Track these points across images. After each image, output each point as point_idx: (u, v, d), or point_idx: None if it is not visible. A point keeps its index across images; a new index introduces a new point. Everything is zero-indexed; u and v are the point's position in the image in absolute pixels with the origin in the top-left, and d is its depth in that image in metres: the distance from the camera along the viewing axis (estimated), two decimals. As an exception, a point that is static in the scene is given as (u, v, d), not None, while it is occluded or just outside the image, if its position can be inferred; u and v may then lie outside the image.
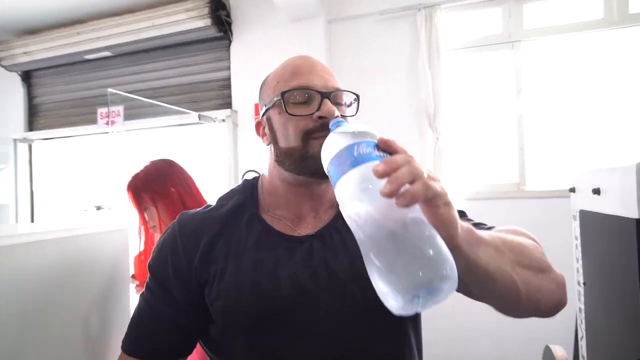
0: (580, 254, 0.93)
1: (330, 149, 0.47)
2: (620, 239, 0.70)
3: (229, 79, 2.79)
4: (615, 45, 2.27)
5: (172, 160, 1.34)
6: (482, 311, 2.31)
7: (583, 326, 0.94)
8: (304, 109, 0.63)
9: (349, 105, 0.68)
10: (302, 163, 0.64)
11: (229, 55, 2.80)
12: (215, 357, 0.70)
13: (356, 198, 0.41)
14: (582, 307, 0.94)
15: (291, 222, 0.69)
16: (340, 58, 2.68)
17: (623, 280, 0.72)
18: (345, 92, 0.67)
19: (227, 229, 0.68)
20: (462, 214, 0.73)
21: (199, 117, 2.55)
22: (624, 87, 2.25)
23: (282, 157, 0.66)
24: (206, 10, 2.59)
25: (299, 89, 0.64)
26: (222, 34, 2.75)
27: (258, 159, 2.70)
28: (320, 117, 0.62)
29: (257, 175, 0.79)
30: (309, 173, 0.65)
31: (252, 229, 0.67)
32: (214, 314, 0.65)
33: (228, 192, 0.76)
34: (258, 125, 0.72)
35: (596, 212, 0.81)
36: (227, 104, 2.78)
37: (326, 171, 0.48)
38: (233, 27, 2.80)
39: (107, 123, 2.82)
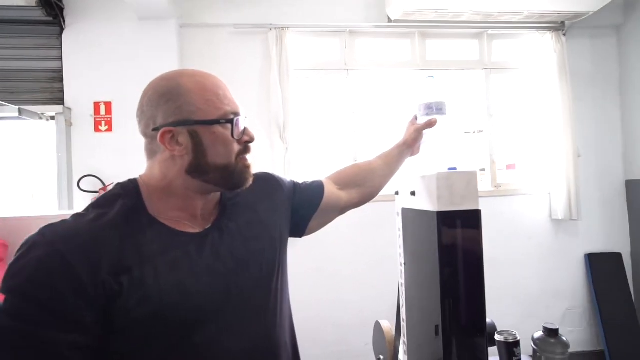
0: (402, 242, 1.23)
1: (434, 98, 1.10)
2: (427, 227, 0.99)
3: (60, 70, 2.45)
4: (416, 81, 2.94)
5: None
6: (326, 303, 2.65)
7: (404, 297, 1.24)
8: (234, 132, 0.73)
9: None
10: (230, 177, 0.73)
11: (60, 44, 2.46)
12: None
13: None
14: (403, 282, 1.24)
15: (188, 221, 0.73)
16: (192, 64, 2.66)
17: (428, 258, 1.01)
18: None
19: (128, 236, 0.66)
20: (296, 184, 0.99)
21: (20, 111, 2.15)
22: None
23: (205, 170, 0.71)
24: (31, -12, 2.24)
25: (236, 114, 0.73)
26: (51, 18, 2.40)
27: (97, 164, 2.44)
28: (246, 141, 0.75)
29: (129, 179, 0.76)
30: (229, 186, 0.75)
31: (156, 232, 0.69)
32: (132, 322, 0.63)
33: (103, 198, 0.71)
34: (165, 133, 0.69)
35: (412, 209, 1.10)
36: (59, 100, 2.43)
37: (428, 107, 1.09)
38: (65, 13, 2.47)
39: None
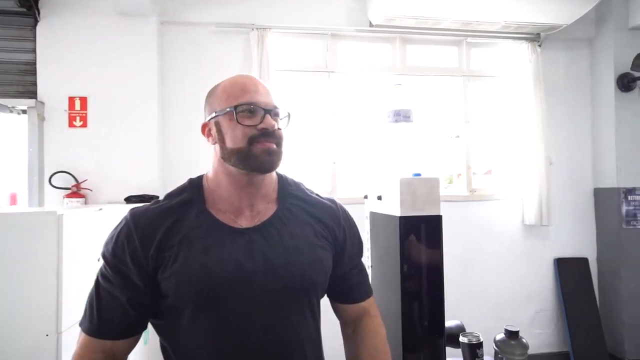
0: (370, 245, 1.25)
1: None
2: (392, 231, 1.02)
3: (33, 63, 2.39)
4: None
5: None
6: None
7: (371, 298, 1.26)
8: (250, 120, 0.78)
9: (282, 118, 0.86)
10: (247, 160, 0.78)
11: (34, 36, 2.40)
12: (163, 325, 0.80)
13: None
14: (371, 283, 1.26)
15: (233, 215, 0.82)
16: (172, 61, 2.64)
17: (392, 261, 1.03)
18: (280, 109, 0.84)
19: (179, 221, 0.79)
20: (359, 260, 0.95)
21: (-11, 104, 2.10)
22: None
23: (229, 155, 0.79)
24: (4, -22, 2.17)
25: (247, 104, 0.78)
26: (24, 9, 2.34)
27: (70, 160, 2.39)
28: (262, 128, 0.78)
29: (200, 175, 0.88)
30: (250, 168, 0.79)
31: (201, 220, 0.79)
32: (167, 289, 0.75)
33: (176, 189, 0.86)
34: (204, 126, 0.84)
35: (379, 213, 1.12)
36: (31, 93, 2.37)
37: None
38: (40, 4, 2.41)
39: None
